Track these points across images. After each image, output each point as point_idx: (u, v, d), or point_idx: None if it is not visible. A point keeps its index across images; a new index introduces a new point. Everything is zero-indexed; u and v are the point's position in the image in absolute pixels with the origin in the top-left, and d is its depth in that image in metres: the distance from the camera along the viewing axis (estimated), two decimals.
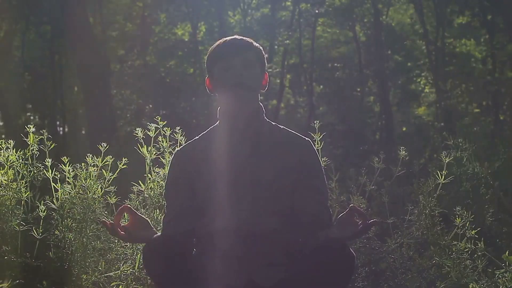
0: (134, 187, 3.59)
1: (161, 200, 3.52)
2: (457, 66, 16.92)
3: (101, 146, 3.46)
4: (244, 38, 2.52)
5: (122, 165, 3.50)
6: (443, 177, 3.62)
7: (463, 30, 16.71)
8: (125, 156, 3.53)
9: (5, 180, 3.35)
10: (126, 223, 2.43)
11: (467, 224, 3.43)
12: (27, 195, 3.38)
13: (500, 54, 15.98)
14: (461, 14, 16.25)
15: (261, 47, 2.54)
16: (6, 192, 3.33)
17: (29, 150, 3.45)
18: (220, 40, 2.53)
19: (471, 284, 3.27)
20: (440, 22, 16.15)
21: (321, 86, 18.56)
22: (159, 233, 2.46)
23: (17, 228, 3.25)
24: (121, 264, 3.39)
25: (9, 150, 3.41)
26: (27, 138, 3.45)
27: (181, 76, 16.67)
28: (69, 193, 3.38)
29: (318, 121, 3.50)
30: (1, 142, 3.44)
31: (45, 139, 3.45)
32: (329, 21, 17.73)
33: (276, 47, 16.82)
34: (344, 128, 16.10)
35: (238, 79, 2.43)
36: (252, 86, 2.47)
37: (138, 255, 3.37)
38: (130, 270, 3.37)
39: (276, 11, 16.84)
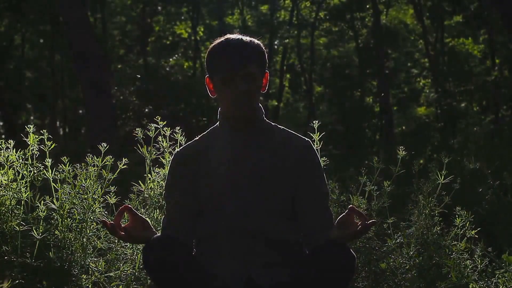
0: (134, 187, 3.59)
1: (161, 200, 3.52)
2: (457, 65, 16.93)
3: (101, 146, 3.45)
4: (246, 42, 2.44)
5: (122, 165, 3.50)
6: (443, 177, 3.62)
7: (461, 29, 16.74)
8: (125, 156, 3.53)
9: (5, 180, 3.35)
10: (126, 224, 2.42)
11: (467, 224, 3.43)
12: (27, 195, 3.38)
13: (499, 53, 15.98)
14: (455, 14, 16.28)
15: (262, 47, 2.49)
16: (6, 192, 3.33)
17: (29, 150, 3.44)
18: (222, 41, 2.46)
19: (471, 284, 3.27)
20: (439, 22, 16.17)
21: (321, 86, 18.56)
22: (159, 234, 2.46)
23: (17, 228, 3.25)
24: (121, 264, 3.38)
25: (9, 150, 3.41)
26: (27, 138, 3.45)
27: (181, 74, 16.68)
28: (69, 193, 3.38)
29: (317, 121, 3.50)
30: (1, 142, 3.43)
31: (45, 139, 3.44)
32: (328, 23, 17.75)
33: (275, 46, 16.82)
34: (344, 128, 16.10)
35: (238, 98, 2.41)
36: (253, 99, 2.46)
37: (138, 255, 3.37)
38: (130, 270, 3.37)
39: (275, 10, 16.84)
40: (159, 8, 16.98)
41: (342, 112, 16.94)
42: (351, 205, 2.32)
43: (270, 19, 16.35)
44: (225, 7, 16.63)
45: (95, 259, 3.41)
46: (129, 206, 2.42)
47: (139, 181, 3.59)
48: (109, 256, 3.45)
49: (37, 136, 3.46)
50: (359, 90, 17.81)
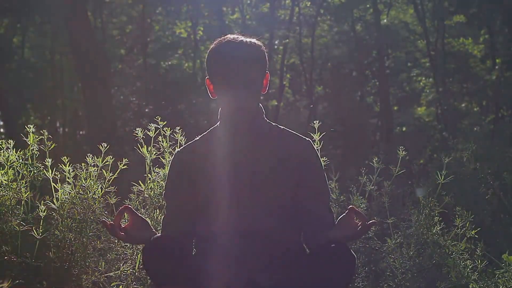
0: (134, 187, 3.59)
1: (161, 200, 3.52)
2: (457, 65, 16.94)
3: (101, 146, 3.46)
4: (246, 44, 2.42)
5: (122, 166, 3.50)
6: (443, 177, 3.63)
7: (461, 29, 16.74)
8: (125, 156, 3.53)
9: (5, 180, 3.35)
10: (126, 224, 2.42)
11: (467, 224, 3.43)
12: (27, 195, 3.38)
13: (500, 53, 15.99)
14: (456, 13, 16.28)
15: (263, 48, 2.48)
16: (6, 192, 3.33)
17: (29, 150, 3.45)
18: (222, 43, 2.45)
19: (471, 284, 3.27)
20: (439, 21, 16.17)
21: (321, 86, 18.56)
22: (159, 234, 2.46)
23: (17, 228, 3.25)
24: (121, 264, 3.39)
25: (9, 150, 3.41)
26: (27, 138, 3.45)
27: (181, 75, 16.68)
28: (69, 193, 3.38)
29: (317, 121, 3.50)
30: (1, 142, 3.44)
31: (45, 139, 3.45)
32: (328, 22, 17.74)
33: (275, 46, 16.82)
34: (344, 128, 16.10)
35: (238, 103, 2.42)
36: (253, 103, 2.46)
37: (138, 255, 3.37)
38: (130, 270, 3.37)
39: (276, 9, 16.83)
40: (159, 8, 17.01)
41: (342, 112, 16.95)
42: (351, 205, 2.32)
43: (270, 18, 16.35)
44: (225, 3, 16.64)
45: (95, 259, 3.41)
46: (129, 206, 2.42)
47: (139, 181, 3.60)
48: (109, 256, 3.45)
49: (37, 136, 3.46)
50: (359, 91, 17.81)
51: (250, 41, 2.45)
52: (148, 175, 3.59)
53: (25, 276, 3.21)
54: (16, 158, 3.41)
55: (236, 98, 2.41)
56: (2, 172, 3.37)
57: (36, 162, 3.46)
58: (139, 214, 2.47)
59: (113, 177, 3.50)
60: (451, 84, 16.81)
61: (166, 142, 3.58)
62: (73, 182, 3.42)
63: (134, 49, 17.64)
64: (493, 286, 3.28)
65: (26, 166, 3.44)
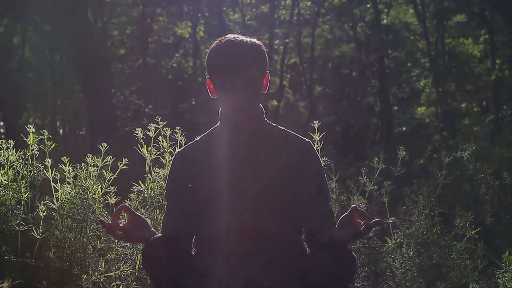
0: (134, 187, 3.59)
1: (161, 200, 3.52)
2: (457, 65, 16.95)
3: (101, 146, 3.45)
4: (246, 44, 2.42)
5: (122, 166, 3.50)
6: (443, 177, 3.63)
7: (461, 29, 16.75)
8: (125, 156, 3.53)
9: (5, 180, 3.35)
10: (125, 223, 2.42)
11: (467, 224, 3.43)
12: (27, 195, 3.38)
13: (500, 53, 16.00)
14: (457, 13, 16.30)
15: (263, 47, 2.49)
16: (6, 192, 3.33)
17: (29, 150, 3.44)
18: (222, 43, 2.45)
19: (471, 284, 3.27)
20: (439, 21, 16.18)
21: (321, 86, 18.56)
22: (158, 233, 2.46)
23: (17, 228, 3.25)
24: (121, 264, 3.38)
25: (9, 150, 3.41)
26: (27, 138, 3.45)
27: (181, 75, 16.69)
28: (69, 193, 3.37)
29: (318, 121, 3.50)
30: (1, 142, 3.43)
31: (45, 139, 3.44)
32: (329, 21, 17.75)
33: (275, 46, 16.82)
34: (344, 128, 16.11)
35: (238, 102, 2.42)
36: (253, 103, 2.46)
37: (138, 255, 3.37)
38: (130, 270, 3.37)
39: (276, 9, 16.84)
40: (160, 9, 17.03)
41: (342, 112, 16.97)
42: (354, 205, 2.31)
43: (270, 18, 16.36)
44: (226, 3, 16.66)
45: (95, 259, 3.41)
46: (127, 205, 2.41)
47: (139, 181, 3.59)
48: (109, 256, 3.45)
49: (37, 136, 3.46)
50: (359, 91, 17.83)
51: (250, 41, 2.45)
52: (148, 175, 3.59)
53: (25, 276, 3.21)
54: (16, 158, 3.40)
55: (236, 98, 2.41)
56: (2, 172, 3.37)
57: (36, 162, 3.46)
58: (138, 213, 2.46)
59: (113, 177, 3.49)
60: (451, 84, 16.81)
61: (166, 142, 3.58)
62: (73, 182, 3.42)
63: (134, 49, 17.64)
64: (493, 286, 3.28)
65: (26, 166, 3.43)
